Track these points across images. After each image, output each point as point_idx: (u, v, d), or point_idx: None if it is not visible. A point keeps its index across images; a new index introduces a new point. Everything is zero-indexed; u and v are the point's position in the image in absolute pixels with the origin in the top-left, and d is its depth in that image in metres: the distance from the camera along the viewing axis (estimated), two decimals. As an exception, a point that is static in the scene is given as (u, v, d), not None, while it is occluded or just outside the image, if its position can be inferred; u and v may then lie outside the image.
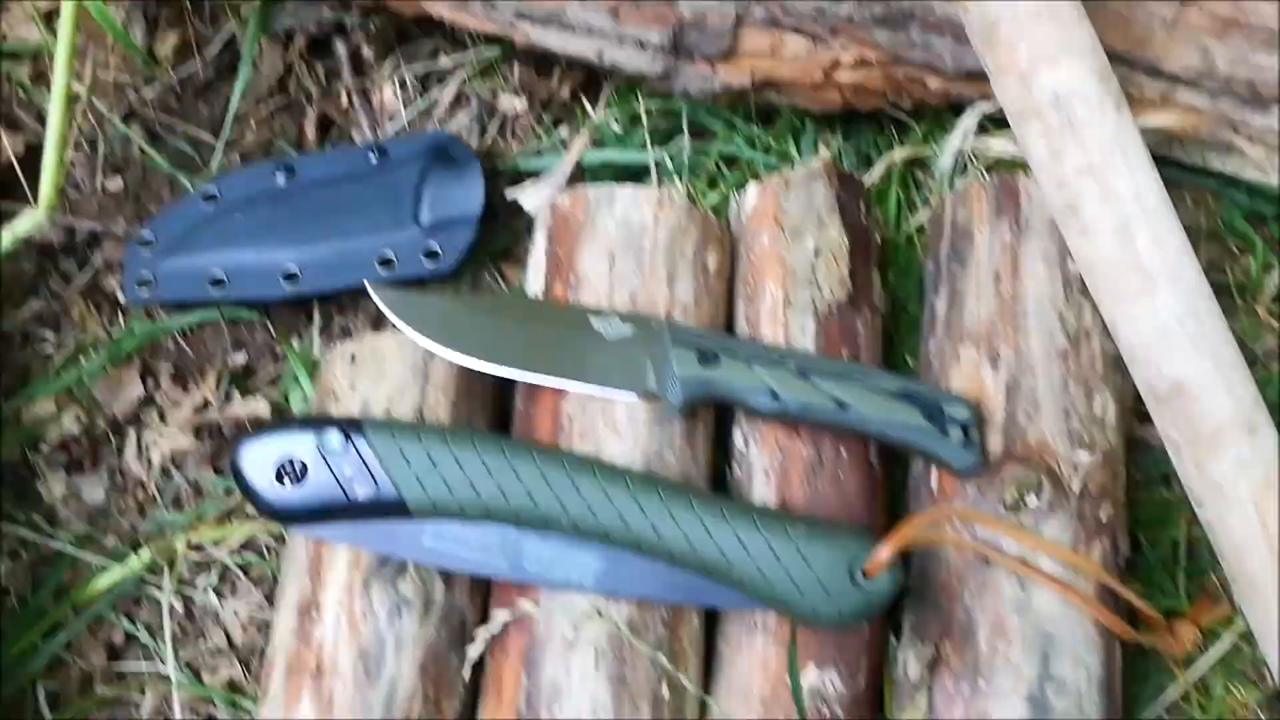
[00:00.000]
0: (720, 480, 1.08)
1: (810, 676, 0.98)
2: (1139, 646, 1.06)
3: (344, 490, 0.96)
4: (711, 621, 1.04)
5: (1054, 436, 1.01)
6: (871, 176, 1.20)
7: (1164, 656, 1.07)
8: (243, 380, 1.20)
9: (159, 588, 1.13)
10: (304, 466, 0.96)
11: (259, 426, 1.02)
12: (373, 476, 0.96)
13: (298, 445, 0.97)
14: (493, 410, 1.09)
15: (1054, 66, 0.94)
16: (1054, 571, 0.97)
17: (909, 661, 0.99)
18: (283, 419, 1.02)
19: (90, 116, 1.27)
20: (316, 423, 0.97)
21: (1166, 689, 1.08)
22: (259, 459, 0.97)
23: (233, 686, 1.11)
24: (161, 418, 1.19)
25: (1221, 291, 1.17)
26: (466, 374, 1.06)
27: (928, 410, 1.00)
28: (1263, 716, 1.07)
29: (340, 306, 1.21)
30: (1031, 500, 0.99)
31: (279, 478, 0.97)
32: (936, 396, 1.02)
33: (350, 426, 0.97)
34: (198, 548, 1.15)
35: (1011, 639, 0.96)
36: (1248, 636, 1.07)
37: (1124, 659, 1.01)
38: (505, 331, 1.04)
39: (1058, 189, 0.97)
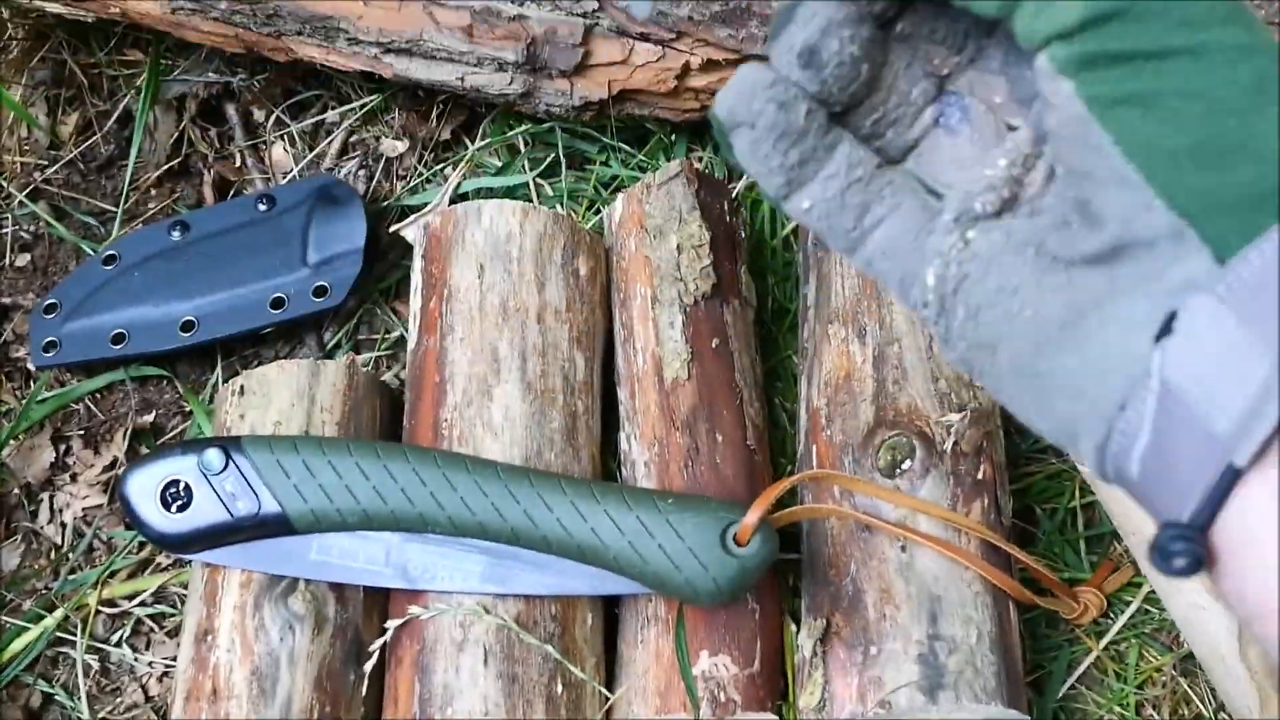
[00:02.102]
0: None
1: (702, 663, 0.98)
2: (1049, 620, 1.06)
3: (228, 509, 0.97)
4: (611, 625, 1.04)
5: (923, 400, 1.02)
6: (739, 186, 1.23)
7: (1073, 625, 1.07)
8: (151, 439, 1.22)
9: (74, 646, 1.14)
10: (188, 489, 0.98)
11: (141, 456, 1.04)
12: (254, 491, 0.97)
13: (180, 467, 0.98)
14: (381, 427, 1.10)
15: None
16: (934, 533, 0.97)
17: (804, 640, 0.99)
18: (163, 446, 1.03)
19: (-3, 198, 1.31)
20: (197, 444, 0.99)
21: (1080, 660, 1.07)
22: (144, 486, 0.98)
23: (152, 740, 1.11)
24: (73, 480, 1.21)
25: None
26: (352, 394, 1.08)
27: None
28: (1181, 680, 1.06)
29: (244, 358, 1.23)
30: (906, 464, 1.00)
31: (165, 504, 0.98)
32: None
33: (229, 444, 0.98)
34: (110, 604, 1.16)
35: (898, 603, 0.96)
36: (1156, 599, 1.07)
37: (1031, 634, 1.01)
38: None
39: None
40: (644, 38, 1.10)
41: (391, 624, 0.99)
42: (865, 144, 0.64)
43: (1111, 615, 1.08)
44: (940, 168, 0.64)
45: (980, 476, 1.01)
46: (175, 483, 0.98)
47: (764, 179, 0.62)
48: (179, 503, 0.98)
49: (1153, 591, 1.07)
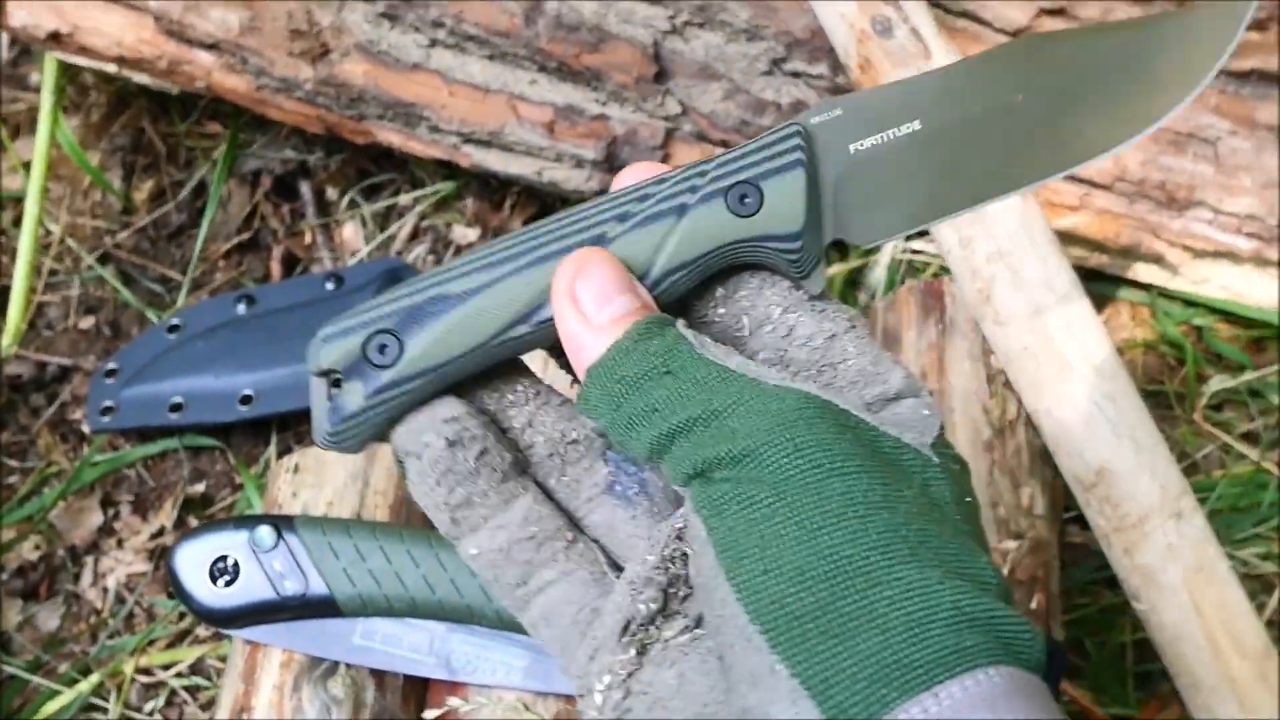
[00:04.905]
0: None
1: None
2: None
3: (275, 587, 0.97)
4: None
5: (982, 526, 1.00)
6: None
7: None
8: (199, 508, 1.22)
9: (106, 713, 1.13)
10: (236, 565, 0.97)
11: (193, 529, 1.04)
12: (302, 571, 0.97)
13: (231, 543, 0.98)
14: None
15: (957, 155, 0.97)
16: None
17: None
18: (215, 520, 1.03)
19: (67, 259, 1.32)
20: (249, 520, 0.99)
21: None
22: (193, 559, 0.98)
23: (177, 814, 1.10)
24: (119, 545, 1.21)
25: (1160, 401, 1.18)
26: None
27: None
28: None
29: (299, 434, 1.23)
30: (959, 589, 0.98)
31: (213, 578, 0.98)
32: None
33: (281, 522, 0.98)
34: (146, 671, 1.15)
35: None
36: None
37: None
38: None
39: (971, 278, 0.99)
40: (725, 145, 1.10)
41: (429, 714, 0.98)
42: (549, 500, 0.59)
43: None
44: (615, 541, 0.58)
45: (1034, 606, 0.99)
46: (224, 558, 0.98)
47: (431, 513, 0.57)
48: (226, 578, 0.97)
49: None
